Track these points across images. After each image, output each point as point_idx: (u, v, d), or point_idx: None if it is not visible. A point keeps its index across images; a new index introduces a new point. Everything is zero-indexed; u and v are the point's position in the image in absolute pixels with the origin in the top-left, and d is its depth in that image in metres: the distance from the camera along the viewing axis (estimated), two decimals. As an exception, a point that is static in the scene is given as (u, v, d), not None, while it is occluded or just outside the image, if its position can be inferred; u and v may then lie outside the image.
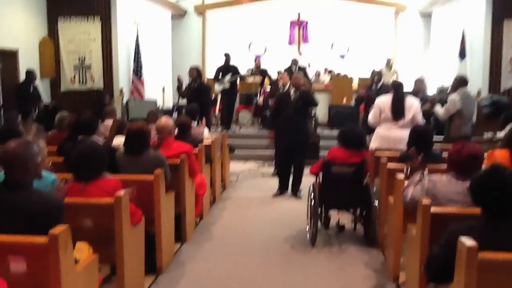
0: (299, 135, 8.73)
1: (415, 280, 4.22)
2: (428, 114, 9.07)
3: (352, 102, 14.41)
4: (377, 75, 11.31)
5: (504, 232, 3.14)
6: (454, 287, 3.14)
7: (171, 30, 17.57)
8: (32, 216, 3.34)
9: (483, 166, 4.35)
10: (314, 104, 9.04)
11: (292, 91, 8.69)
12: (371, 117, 7.85)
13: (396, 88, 7.72)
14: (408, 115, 7.51)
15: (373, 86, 11.21)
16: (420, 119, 7.56)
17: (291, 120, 8.65)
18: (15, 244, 3.24)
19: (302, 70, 14.55)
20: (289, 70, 13.95)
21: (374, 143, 7.59)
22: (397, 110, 7.51)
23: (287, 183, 9.14)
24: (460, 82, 8.49)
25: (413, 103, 7.62)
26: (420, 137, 5.80)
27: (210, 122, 11.99)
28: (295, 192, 9.00)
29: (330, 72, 17.95)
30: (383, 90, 9.98)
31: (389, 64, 16.50)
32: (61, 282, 3.23)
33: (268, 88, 14.34)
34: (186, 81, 11.87)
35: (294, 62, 15.23)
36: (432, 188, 4.26)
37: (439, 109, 8.52)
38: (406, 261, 4.93)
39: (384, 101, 7.69)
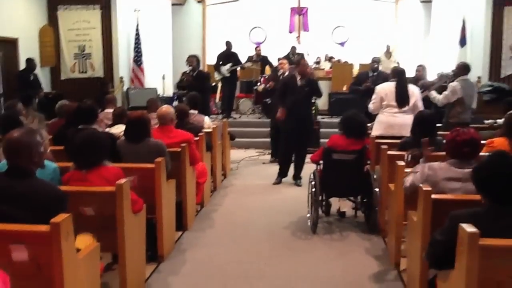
0: (304, 123, 8.69)
1: (416, 267, 4.23)
2: (429, 100, 9.07)
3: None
4: (375, 63, 11.26)
5: (508, 218, 3.14)
6: (456, 273, 3.15)
7: (171, 18, 17.53)
8: (37, 206, 3.34)
9: (482, 154, 4.36)
10: (319, 94, 8.98)
11: (298, 78, 8.63)
12: (371, 104, 7.83)
13: (400, 75, 7.71)
14: (411, 102, 7.52)
15: (370, 73, 11.16)
16: (421, 106, 7.57)
17: (297, 107, 8.57)
18: (17, 233, 3.24)
19: (300, 56, 14.55)
20: (287, 58, 13.94)
21: (377, 130, 7.56)
22: (402, 97, 7.51)
23: (287, 170, 9.13)
24: (463, 69, 8.47)
25: (414, 90, 7.65)
26: (424, 123, 5.79)
27: (210, 109, 11.99)
28: (296, 179, 9.01)
29: (330, 59, 17.91)
30: (381, 77, 9.97)
31: (388, 51, 16.46)
32: (63, 270, 3.24)
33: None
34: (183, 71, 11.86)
35: (293, 50, 15.20)
36: (433, 175, 4.27)
37: (434, 95, 8.52)
38: (407, 248, 4.94)
39: (386, 88, 7.67)
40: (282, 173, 9.11)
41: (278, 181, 9.06)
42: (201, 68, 12.19)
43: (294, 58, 14.44)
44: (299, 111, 8.61)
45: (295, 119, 8.60)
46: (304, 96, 8.62)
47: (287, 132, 8.83)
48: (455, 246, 3.11)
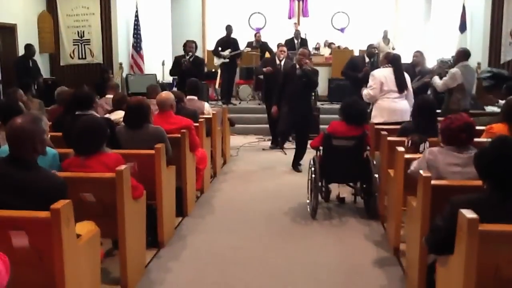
0: (303, 112, 8.67)
1: (415, 252, 4.24)
2: (427, 86, 9.08)
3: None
4: (374, 49, 11.21)
5: (509, 204, 3.15)
6: (455, 259, 3.16)
7: (171, 3, 17.46)
8: (37, 195, 3.34)
9: (482, 140, 4.38)
10: (315, 85, 9.02)
11: (297, 67, 8.63)
12: (370, 91, 7.70)
13: (397, 61, 7.72)
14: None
15: (367, 60, 11.12)
16: (412, 92, 7.64)
17: (296, 97, 8.56)
18: (17, 219, 3.25)
19: (304, 42, 14.60)
20: (291, 42, 13.92)
21: (381, 117, 7.51)
22: (402, 82, 7.53)
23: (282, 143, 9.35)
24: (463, 55, 8.46)
25: (406, 76, 7.68)
26: (425, 109, 5.78)
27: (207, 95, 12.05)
28: (296, 165, 9.03)
29: (330, 45, 17.85)
30: (376, 64, 9.95)
31: (386, 37, 16.40)
32: (64, 256, 3.25)
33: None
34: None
35: (296, 34, 15.15)
36: (433, 159, 4.32)
37: (437, 81, 8.51)
38: (406, 233, 4.95)
39: (384, 73, 7.64)
40: (275, 142, 9.29)
41: (273, 147, 9.24)
42: (197, 54, 12.13)
43: (298, 42, 14.46)
44: (299, 102, 8.58)
45: (295, 109, 8.59)
46: (301, 87, 8.59)
47: (288, 122, 8.78)
48: (455, 233, 3.12)
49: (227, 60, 13.72)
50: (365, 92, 7.82)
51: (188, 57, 11.12)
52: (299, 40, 14.80)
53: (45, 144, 3.60)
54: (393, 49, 15.71)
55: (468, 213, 2.98)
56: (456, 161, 4.22)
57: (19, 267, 3.05)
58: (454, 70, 8.25)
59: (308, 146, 7.31)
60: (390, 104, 7.56)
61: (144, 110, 5.68)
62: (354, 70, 10.54)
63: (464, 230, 2.97)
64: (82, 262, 3.61)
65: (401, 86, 7.56)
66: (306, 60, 8.54)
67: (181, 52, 11.79)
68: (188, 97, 8.20)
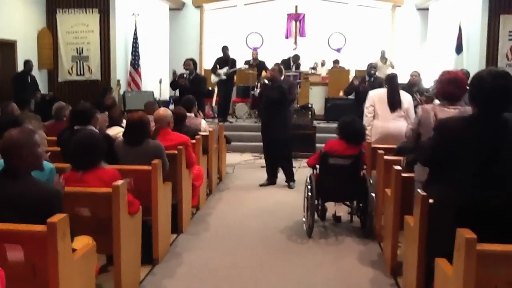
0: (277, 127, 8.82)
1: (412, 272, 4.22)
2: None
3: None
4: (372, 68, 11.28)
5: (488, 121, 3.42)
6: (453, 279, 3.15)
7: (169, 22, 17.60)
8: (32, 206, 3.33)
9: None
10: (286, 97, 8.83)
11: (270, 84, 8.90)
12: (367, 112, 7.68)
13: (391, 80, 7.72)
14: (403, 107, 7.47)
15: (367, 79, 11.19)
16: (413, 113, 7.51)
17: (270, 112, 8.87)
18: (13, 232, 3.23)
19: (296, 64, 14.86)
20: (286, 62, 14.05)
21: (374, 137, 7.47)
22: (394, 101, 7.48)
23: (274, 174, 9.28)
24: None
25: (406, 97, 7.63)
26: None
27: (205, 113, 12.04)
28: (288, 182, 9.11)
29: (335, 62, 17.83)
30: (377, 83, 9.99)
31: (383, 57, 16.47)
32: (59, 270, 3.23)
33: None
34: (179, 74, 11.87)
35: (295, 57, 15.30)
36: (426, 116, 4.70)
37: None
38: (403, 253, 4.93)
39: (378, 94, 7.61)
40: (270, 178, 9.25)
41: (265, 184, 9.19)
42: (198, 71, 12.23)
43: (292, 65, 14.62)
44: (272, 117, 8.84)
45: (269, 125, 8.95)
46: (275, 102, 8.77)
47: (265, 137, 9.15)
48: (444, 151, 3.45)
49: (224, 77, 13.77)
50: (364, 117, 7.79)
51: (187, 75, 11.18)
52: (295, 64, 15.03)
53: (40, 157, 3.57)
54: (392, 67, 15.79)
55: (466, 233, 2.98)
56: (448, 115, 4.43)
57: (12, 281, 3.02)
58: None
59: (305, 164, 7.29)
60: (383, 124, 7.46)
61: (145, 125, 5.70)
62: (355, 88, 10.76)
63: (462, 250, 2.96)
64: (77, 277, 3.58)
65: (392, 105, 7.49)
66: (274, 74, 8.92)
67: (178, 70, 11.87)
68: (185, 114, 8.21)
